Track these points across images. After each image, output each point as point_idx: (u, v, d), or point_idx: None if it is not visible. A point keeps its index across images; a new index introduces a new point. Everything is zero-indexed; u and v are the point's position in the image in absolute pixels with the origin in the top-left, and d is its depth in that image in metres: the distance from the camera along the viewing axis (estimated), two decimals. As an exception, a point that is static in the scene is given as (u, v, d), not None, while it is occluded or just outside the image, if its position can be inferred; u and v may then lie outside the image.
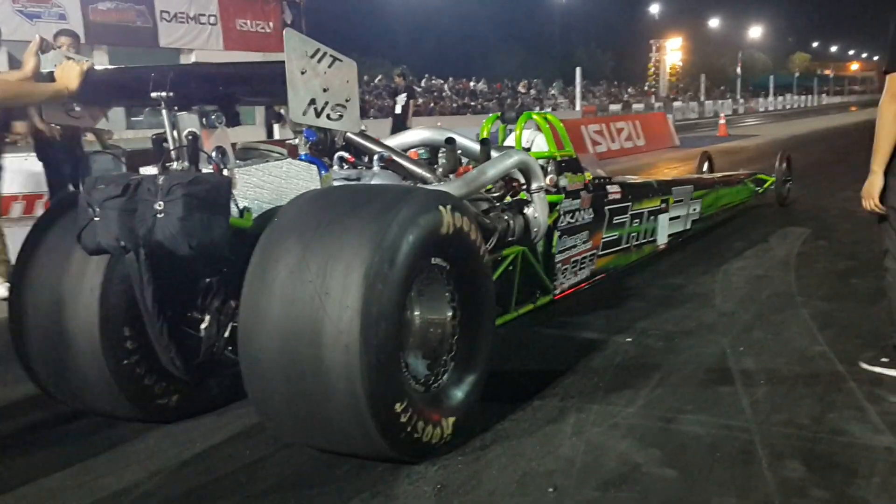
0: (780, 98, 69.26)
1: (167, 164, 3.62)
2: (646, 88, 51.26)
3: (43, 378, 3.93)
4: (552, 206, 5.36)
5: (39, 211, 8.30)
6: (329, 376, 3.16)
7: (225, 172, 3.62)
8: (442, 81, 49.96)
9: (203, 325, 3.77)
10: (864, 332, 5.07)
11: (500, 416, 3.94)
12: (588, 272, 6.15)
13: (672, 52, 55.78)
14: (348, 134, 4.57)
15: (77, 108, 3.83)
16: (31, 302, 3.80)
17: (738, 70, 64.84)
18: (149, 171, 3.72)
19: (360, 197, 3.57)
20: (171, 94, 3.52)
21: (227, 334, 3.77)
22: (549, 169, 5.41)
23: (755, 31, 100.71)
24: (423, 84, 46.68)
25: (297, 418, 3.34)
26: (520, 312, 5.28)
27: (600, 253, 6.30)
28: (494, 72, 55.84)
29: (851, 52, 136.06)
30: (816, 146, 11.62)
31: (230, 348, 3.82)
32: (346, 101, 3.43)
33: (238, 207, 3.53)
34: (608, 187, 6.42)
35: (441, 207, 3.49)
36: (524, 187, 5.02)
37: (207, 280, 3.76)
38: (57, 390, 3.95)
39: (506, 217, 4.78)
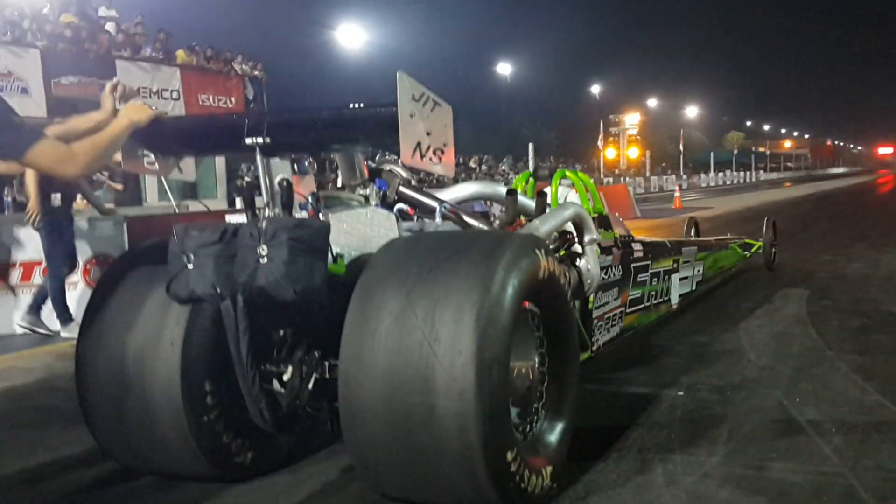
0: (720, 174, 71.19)
1: (257, 212, 3.53)
2: (599, 145, 52.26)
3: (107, 435, 3.73)
4: (589, 262, 5.34)
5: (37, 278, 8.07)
6: (441, 425, 3.05)
7: (321, 218, 3.54)
8: (396, 157, 50.24)
9: (286, 378, 3.63)
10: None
11: (582, 469, 3.83)
12: (618, 329, 6.11)
13: (631, 127, 57.36)
14: (401, 188, 4.52)
15: (151, 157, 3.73)
16: (102, 356, 3.62)
17: (681, 147, 66.70)
18: (235, 219, 3.61)
19: (458, 242, 3.51)
20: (267, 139, 3.44)
21: (310, 386, 3.63)
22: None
23: (691, 111, 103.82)
24: (376, 160, 46.91)
25: (402, 470, 3.21)
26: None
27: (627, 311, 6.29)
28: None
29: (784, 131, 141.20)
30: (776, 216, 11.98)
31: (311, 405, 3.68)
32: (444, 145, 3.39)
33: (332, 254, 3.44)
34: (633, 245, 6.46)
35: (537, 251, 3.45)
36: (576, 241, 5.00)
37: (292, 330, 3.64)
38: (121, 448, 3.75)
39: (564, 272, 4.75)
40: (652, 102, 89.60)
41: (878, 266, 10.84)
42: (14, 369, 6.52)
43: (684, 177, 63.59)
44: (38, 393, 5.77)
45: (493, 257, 3.24)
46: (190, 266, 3.28)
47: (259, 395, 3.43)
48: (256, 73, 24.30)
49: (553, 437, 3.69)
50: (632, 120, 55.54)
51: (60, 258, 7.66)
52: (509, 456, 3.17)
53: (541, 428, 3.68)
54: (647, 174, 55.95)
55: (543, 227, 4.53)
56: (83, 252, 8.09)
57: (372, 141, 3.59)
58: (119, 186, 7.95)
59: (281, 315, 3.51)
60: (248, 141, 3.44)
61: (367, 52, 55.77)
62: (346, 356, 3.20)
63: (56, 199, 7.54)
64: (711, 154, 72.75)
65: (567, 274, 4.74)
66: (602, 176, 54.80)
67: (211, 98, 23.81)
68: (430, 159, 3.31)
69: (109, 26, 21.60)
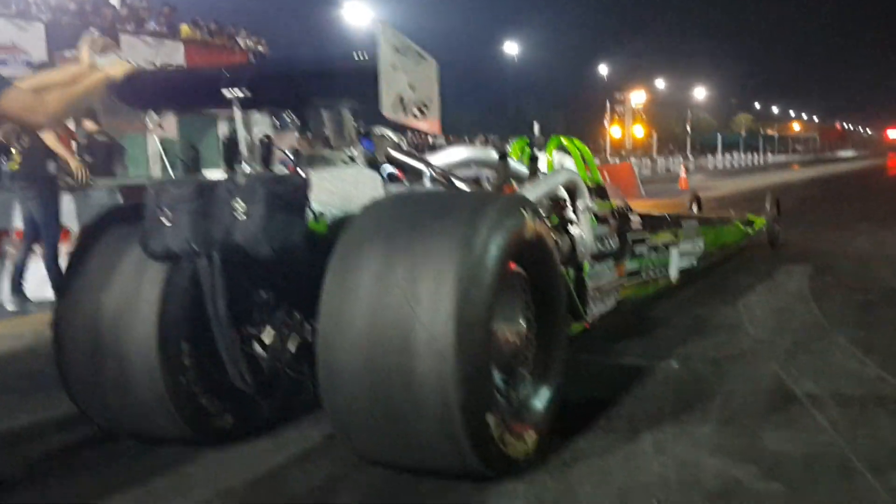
0: (728, 156, 70.72)
1: (237, 167, 3.42)
2: (605, 124, 51.85)
3: (85, 398, 3.65)
4: (586, 232, 5.23)
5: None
6: (420, 386, 2.96)
7: (301, 174, 3.44)
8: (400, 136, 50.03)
9: (267, 339, 3.54)
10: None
11: (570, 437, 3.74)
12: (614, 302, 6.01)
13: (636, 106, 57.12)
14: (391, 151, 4.41)
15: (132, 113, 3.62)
16: (79, 317, 3.54)
17: (689, 128, 66.32)
18: (215, 175, 3.51)
19: (442, 201, 3.41)
20: (246, 92, 3.33)
21: (291, 348, 3.54)
22: (583, 193, 5.30)
23: (699, 93, 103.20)
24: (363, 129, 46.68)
25: (382, 433, 3.12)
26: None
27: (624, 283, 6.19)
28: (450, 128, 56.26)
29: (792, 113, 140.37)
30: (784, 197, 11.82)
31: (293, 367, 3.60)
32: (429, 100, 3.28)
33: (313, 212, 3.34)
34: (630, 216, 6.34)
35: (523, 211, 3.35)
36: (570, 207, 4.89)
37: (273, 291, 3.54)
38: (100, 411, 3.67)
39: (553, 237, 4.64)
40: (660, 83, 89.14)
41: (884, 245, 10.69)
42: (3, 336, 6.45)
43: (691, 158, 63.24)
44: (25, 358, 5.70)
45: (476, 216, 3.14)
46: (166, 222, 3.18)
47: (238, 356, 3.34)
48: (260, 47, 24.20)
49: (539, 403, 3.60)
50: (637, 98, 55.15)
51: (56, 226, 7.59)
52: (490, 419, 3.08)
53: (526, 393, 3.58)
54: (654, 155, 55.62)
55: (534, 191, 4.42)
56: (80, 220, 7.99)
57: (353, 93, 3.47)
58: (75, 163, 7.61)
59: (261, 275, 3.41)
60: (226, 94, 3.33)
61: (372, 30, 55.33)
62: (324, 316, 3.10)
63: (52, 167, 7.45)
64: (719, 136, 72.31)
65: (559, 240, 4.64)
66: (608, 156, 54.55)
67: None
68: (414, 114, 3.20)
69: (114, 0, 21.50)
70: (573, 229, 4.81)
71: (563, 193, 4.84)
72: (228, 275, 3.19)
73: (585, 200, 4.85)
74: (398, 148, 4.43)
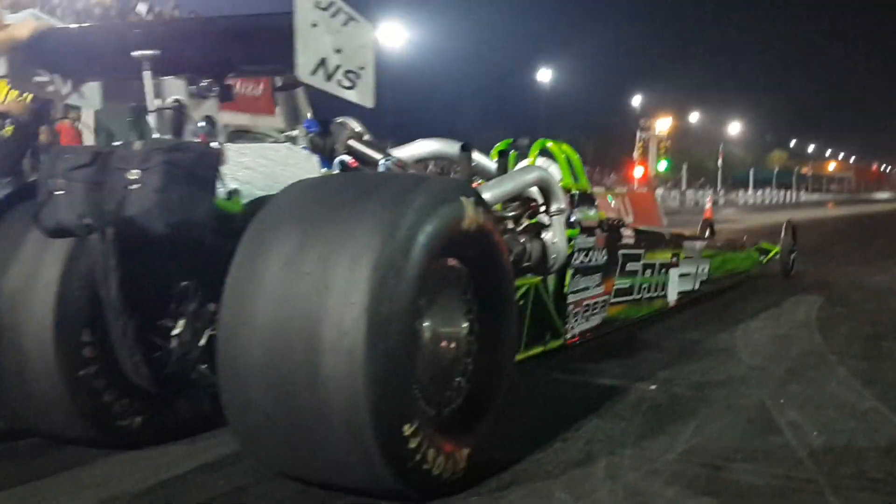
0: (759, 192, 69.92)
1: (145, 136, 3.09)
2: (634, 158, 51.09)
3: None
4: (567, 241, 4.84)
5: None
6: (326, 388, 2.60)
7: (214, 146, 3.09)
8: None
9: (176, 332, 3.19)
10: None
11: (516, 457, 3.35)
12: (599, 319, 5.62)
13: (661, 132, 56.36)
14: (351, 141, 4.06)
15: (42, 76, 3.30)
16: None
17: (720, 162, 65.58)
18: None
19: (370, 182, 3.05)
20: (156, 53, 3.00)
21: (203, 342, 3.18)
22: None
23: (734, 128, 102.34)
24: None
25: (284, 441, 2.75)
26: (528, 354, 4.75)
27: (612, 300, 5.79)
28: (481, 151, 55.97)
29: (828, 152, 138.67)
30: (809, 232, 11.32)
31: (206, 365, 3.24)
32: (361, 69, 2.94)
33: (226, 189, 2.99)
34: (622, 230, 5.95)
35: (464, 199, 2.97)
36: (542, 210, 4.51)
37: (183, 278, 3.19)
38: None
39: (522, 240, 4.27)
40: (693, 117, 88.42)
41: (905, 279, 10.18)
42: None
43: (721, 191, 62.54)
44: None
45: (404, 199, 2.78)
46: (58, 193, 2.84)
47: (133, 345, 2.98)
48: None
49: (477, 416, 3.22)
50: (662, 125, 54.48)
51: None
52: (407, 429, 2.70)
53: (462, 404, 3.19)
54: (683, 188, 54.95)
55: (498, 188, 4.05)
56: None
57: (270, 54, 3.12)
58: None
59: (167, 257, 3.06)
60: (135, 54, 2.99)
61: (408, 51, 55.26)
62: (227, 305, 2.76)
63: None
64: (751, 171, 71.45)
65: (529, 244, 4.27)
66: (636, 186, 53.91)
67: (239, 85, 23.64)
68: (340, 82, 2.85)
69: (140, 7, 21.51)
70: (545, 234, 4.42)
71: (536, 194, 4.46)
72: (125, 253, 2.84)
73: (559, 202, 4.46)
74: (359, 138, 4.09)
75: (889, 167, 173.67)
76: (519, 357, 4.60)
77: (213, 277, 3.02)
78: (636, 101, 73.43)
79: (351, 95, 2.91)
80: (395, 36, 52.75)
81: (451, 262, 3.10)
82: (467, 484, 3.03)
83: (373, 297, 2.58)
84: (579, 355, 5.27)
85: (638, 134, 51.69)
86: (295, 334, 2.63)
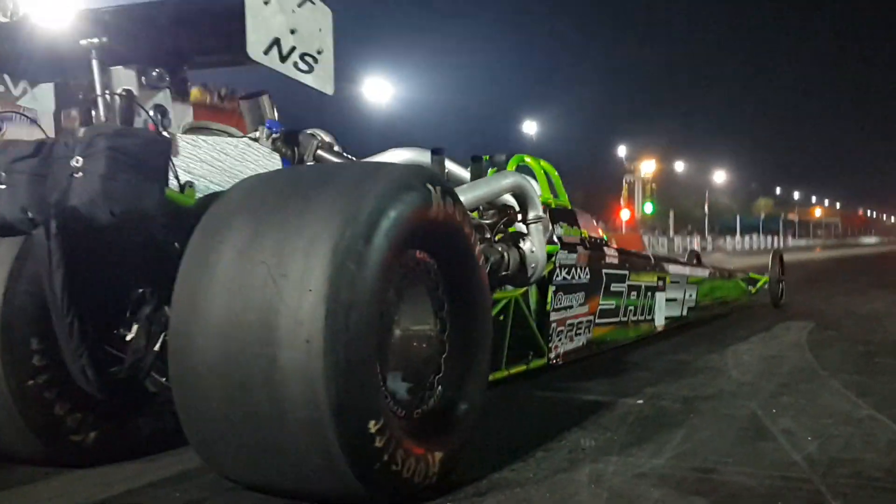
0: (747, 238, 70.04)
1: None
2: (621, 203, 51.39)
3: None
4: (547, 257, 4.68)
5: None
6: (284, 381, 2.41)
7: (164, 134, 2.93)
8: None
9: (129, 336, 3.00)
10: (912, 399, 4.37)
11: (495, 465, 3.16)
12: (584, 340, 5.44)
13: (646, 174, 56.77)
14: (320, 151, 3.92)
15: None
16: None
17: (706, 208, 65.89)
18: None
19: (329, 170, 2.92)
20: (103, 40, 2.86)
21: (157, 347, 2.99)
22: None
23: (719, 176, 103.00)
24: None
25: (241, 443, 2.55)
26: (511, 372, 4.55)
27: (597, 321, 5.62)
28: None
29: (814, 199, 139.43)
30: (798, 270, 11.27)
31: (164, 378, 3.04)
32: (319, 52, 2.81)
33: (178, 181, 2.83)
34: (606, 249, 5.81)
35: (430, 186, 2.82)
36: (520, 219, 4.35)
37: (136, 279, 3.02)
38: None
39: (499, 248, 4.11)
40: (679, 166, 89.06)
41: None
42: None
43: (709, 238, 62.63)
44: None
45: (364, 184, 2.63)
46: (2, 186, 2.68)
47: (80, 348, 2.79)
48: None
49: (451, 419, 3.02)
50: (647, 168, 54.79)
51: None
52: (373, 426, 2.50)
53: (435, 406, 3.00)
54: (671, 234, 55.00)
55: (472, 192, 3.90)
56: None
57: (223, 40, 2.97)
58: None
59: (118, 255, 2.88)
60: (83, 42, 2.86)
61: (393, 106, 55.51)
62: (178, 300, 2.58)
63: None
64: (738, 217, 71.69)
65: (506, 253, 4.12)
66: (623, 230, 53.92)
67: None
68: (296, 64, 2.71)
69: None
70: (523, 243, 4.25)
71: (512, 202, 4.31)
72: (71, 249, 2.67)
73: (536, 210, 4.31)
74: (329, 148, 3.96)
75: (874, 212, 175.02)
76: (501, 375, 4.44)
77: (169, 279, 2.85)
78: (622, 149, 73.95)
79: (308, 80, 2.78)
80: (381, 92, 53.07)
81: (420, 255, 2.94)
82: (441, 490, 2.83)
83: (331, 283, 2.40)
84: (564, 375, 5.10)
85: (624, 177, 52.04)
86: (249, 326, 2.45)
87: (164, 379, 3.01)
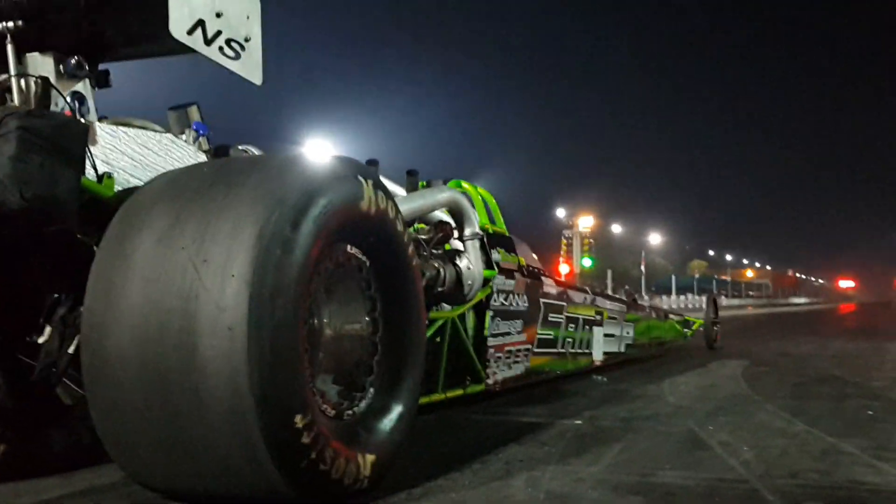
0: (682, 297, 71.13)
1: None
2: (561, 258, 51.90)
3: None
4: (485, 281, 4.63)
5: None
6: (204, 372, 2.27)
7: (81, 120, 2.81)
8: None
9: (42, 338, 2.85)
10: (846, 419, 4.38)
11: (429, 474, 3.05)
12: (523, 369, 5.38)
13: (584, 229, 57.56)
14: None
15: None
16: None
17: (643, 267, 66.93)
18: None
19: (257, 159, 2.83)
20: (19, 24, 2.75)
21: (72, 349, 2.84)
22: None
23: (654, 238, 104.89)
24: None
25: (158, 442, 2.39)
26: (448, 396, 4.48)
27: (535, 350, 5.57)
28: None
29: (745, 261, 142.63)
30: (732, 322, 11.51)
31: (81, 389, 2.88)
32: (246, 40, 2.74)
33: (96, 170, 2.72)
34: (543, 279, 5.79)
35: (361, 178, 2.75)
36: (456, 236, 4.29)
37: (51, 278, 2.88)
38: None
39: (435, 264, 4.04)
40: (616, 228, 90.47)
41: (827, 348, 10.22)
42: None
43: (646, 297, 63.46)
44: None
45: (292, 170, 2.56)
46: None
47: None
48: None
49: (384, 422, 2.90)
50: (585, 223, 55.64)
51: None
52: (300, 421, 2.38)
53: (367, 408, 2.89)
54: (610, 292, 55.63)
55: (406, 203, 3.84)
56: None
57: (143, 19, 2.87)
58: None
59: (29, 250, 2.74)
60: None
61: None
62: (92, 290, 2.44)
63: None
64: (673, 277, 72.92)
65: (442, 269, 4.05)
66: (564, 291, 54.25)
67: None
68: (222, 49, 2.65)
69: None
70: (459, 260, 4.19)
71: (448, 219, 4.26)
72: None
73: (473, 227, 4.27)
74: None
75: (803, 274, 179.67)
76: (438, 398, 4.36)
77: (85, 278, 2.72)
78: (561, 210, 74.89)
79: (235, 66, 2.71)
80: (322, 152, 52.85)
81: (352, 250, 2.85)
82: (372, 496, 2.71)
83: (256, 268, 2.29)
84: (500, 400, 5.02)
85: (563, 232, 52.73)
86: (168, 314, 2.32)
87: (80, 390, 2.85)
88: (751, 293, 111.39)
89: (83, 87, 2.93)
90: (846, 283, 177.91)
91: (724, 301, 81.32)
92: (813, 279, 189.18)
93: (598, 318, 6.90)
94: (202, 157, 3.17)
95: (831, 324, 22.04)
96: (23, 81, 2.74)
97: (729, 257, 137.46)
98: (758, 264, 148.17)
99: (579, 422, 4.30)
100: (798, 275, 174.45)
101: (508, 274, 5.12)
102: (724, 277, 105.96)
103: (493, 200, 5.55)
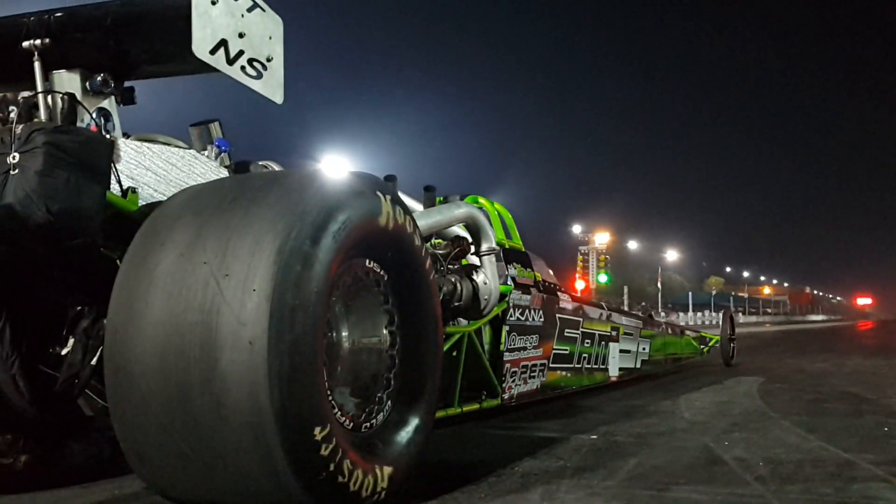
0: (699, 314, 70.85)
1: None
2: (578, 274, 51.93)
3: None
4: (501, 297, 4.67)
5: None
6: (225, 385, 2.32)
7: (107, 136, 2.87)
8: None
9: (65, 351, 2.90)
10: (861, 435, 4.37)
11: (445, 487, 3.08)
12: (538, 384, 5.40)
13: (600, 245, 57.71)
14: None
15: None
16: None
17: (659, 284, 66.89)
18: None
19: (278, 175, 2.88)
20: (46, 42, 2.82)
21: (94, 361, 2.89)
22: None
23: (671, 255, 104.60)
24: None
25: (179, 453, 2.43)
26: (464, 410, 4.49)
27: (551, 365, 5.59)
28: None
29: (763, 278, 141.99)
30: (749, 340, 11.49)
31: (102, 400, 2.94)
32: (268, 59, 2.80)
33: (121, 185, 2.78)
34: (559, 294, 5.81)
35: (380, 194, 2.80)
36: (473, 252, 4.34)
37: (76, 291, 2.93)
38: None
39: (452, 279, 4.08)
40: (633, 245, 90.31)
41: (843, 366, 10.16)
42: None
43: (663, 314, 63.26)
44: None
45: (312, 186, 2.61)
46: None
47: (11, 355, 2.68)
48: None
49: (401, 435, 2.94)
50: (601, 239, 55.66)
51: None
52: (318, 433, 2.42)
53: (384, 421, 2.93)
54: (626, 309, 55.50)
55: (424, 219, 3.89)
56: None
57: (167, 39, 2.93)
58: None
59: (60, 266, 2.80)
60: (25, 45, 2.82)
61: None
62: (116, 303, 2.50)
63: None
64: (690, 294, 72.73)
65: (459, 284, 4.09)
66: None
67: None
68: (244, 68, 2.70)
69: None
70: (476, 275, 4.23)
71: (465, 234, 4.31)
72: (6, 252, 2.59)
73: (490, 242, 4.31)
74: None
75: (820, 291, 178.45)
76: (454, 412, 4.38)
77: (109, 291, 2.77)
78: (577, 226, 74.85)
79: (257, 86, 2.77)
80: (338, 168, 52.99)
81: (370, 265, 2.90)
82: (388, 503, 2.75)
83: (277, 282, 2.35)
84: (516, 415, 5.06)
85: (579, 248, 52.74)
86: (189, 328, 2.37)
87: (102, 401, 2.90)
88: (768, 310, 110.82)
89: (109, 104, 3.00)
90: (864, 301, 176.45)
91: (741, 318, 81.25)
92: (830, 296, 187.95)
93: (614, 333, 6.91)
94: (224, 173, 3.23)
95: (848, 341, 21.89)
96: (50, 98, 2.81)
97: (746, 274, 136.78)
98: (775, 281, 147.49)
99: (595, 436, 4.33)
100: (815, 292, 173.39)
101: (525, 289, 5.15)
102: (741, 294, 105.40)
103: (510, 216, 5.59)
